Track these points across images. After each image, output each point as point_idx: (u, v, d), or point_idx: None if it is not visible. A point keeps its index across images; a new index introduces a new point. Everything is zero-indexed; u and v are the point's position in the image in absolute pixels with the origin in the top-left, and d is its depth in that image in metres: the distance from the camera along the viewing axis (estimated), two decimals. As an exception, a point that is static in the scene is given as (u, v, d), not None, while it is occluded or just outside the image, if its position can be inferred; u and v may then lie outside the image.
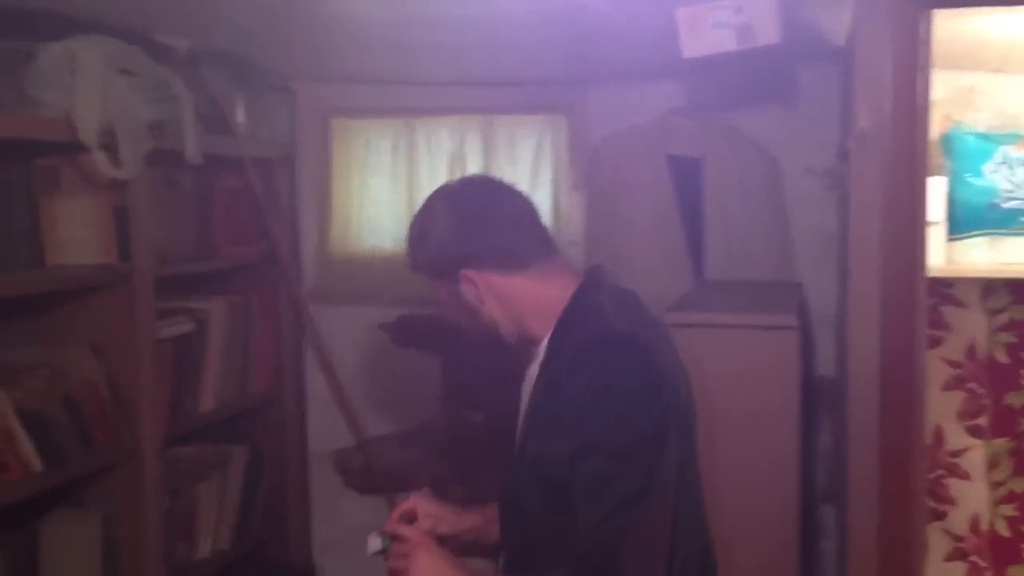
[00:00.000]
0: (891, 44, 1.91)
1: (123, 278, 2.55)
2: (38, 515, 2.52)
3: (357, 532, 3.25)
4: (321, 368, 3.43)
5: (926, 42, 1.95)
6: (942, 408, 2.65)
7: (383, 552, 1.81)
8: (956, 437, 2.67)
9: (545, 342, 1.77)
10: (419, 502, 1.92)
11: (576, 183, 3.33)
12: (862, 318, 2.00)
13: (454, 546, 1.88)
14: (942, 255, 2.38)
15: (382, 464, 3.21)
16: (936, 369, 2.66)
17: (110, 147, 2.40)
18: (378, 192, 3.47)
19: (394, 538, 1.81)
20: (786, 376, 2.16)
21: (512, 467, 1.81)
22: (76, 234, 2.49)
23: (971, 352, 2.64)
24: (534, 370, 1.79)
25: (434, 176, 3.36)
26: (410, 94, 3.41)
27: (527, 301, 1.79)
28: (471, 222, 1.78)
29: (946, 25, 2.08)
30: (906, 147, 1.94)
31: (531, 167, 3.38)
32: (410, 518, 1.89)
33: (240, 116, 3.29)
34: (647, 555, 1.63)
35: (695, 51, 1.94)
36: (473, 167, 3.38)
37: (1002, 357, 2.62)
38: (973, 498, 2.69)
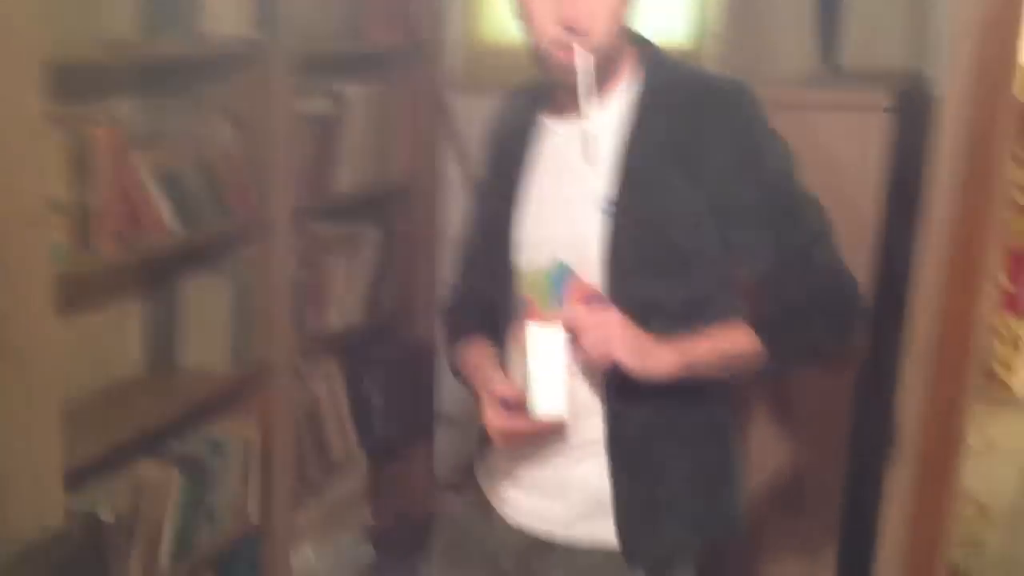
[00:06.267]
0: None
1: (264, 52, 2.60)
2: (178, 278, 2.70)
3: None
4: (457, 157, 3.48)
5: None
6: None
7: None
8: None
9: (619, 92, 1.69)
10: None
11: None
12: (952, 111, 1.93)
13: None
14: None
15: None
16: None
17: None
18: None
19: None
20: (869, 166, 2.01)
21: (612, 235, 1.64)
22: (223, 5, 2.53)
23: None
24: (567, 127, 1.70)
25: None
26: None
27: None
28: None
29: None
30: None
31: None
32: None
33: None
34: None
35: None
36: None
37: None
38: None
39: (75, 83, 2.35)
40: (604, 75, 1.65)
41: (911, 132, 2.23)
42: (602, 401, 1.67)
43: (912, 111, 2.28)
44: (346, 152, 3.06)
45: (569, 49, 1.59)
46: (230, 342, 2.68)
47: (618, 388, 1.64)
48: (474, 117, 3.42)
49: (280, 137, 2.67)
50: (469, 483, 1.89)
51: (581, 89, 1.61)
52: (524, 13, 1.63)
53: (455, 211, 3.54)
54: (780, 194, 1.65)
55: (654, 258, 1.65)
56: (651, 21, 3.17)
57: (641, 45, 1.73)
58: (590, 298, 1.67)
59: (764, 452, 2.46)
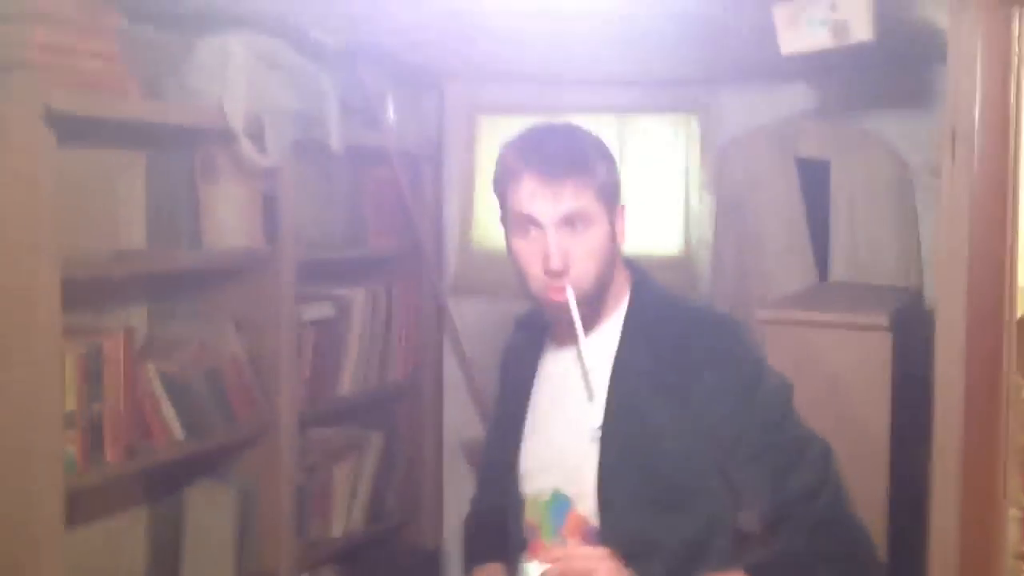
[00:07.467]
0: (981, 42, 1.84)
1: (268, 261, 2.68)
2: (182, 485, 2.69)
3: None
4: (457, 359, 3.53)
5: (1020, 39, 1.86)
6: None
7: None
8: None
9: (611, 322, 1.70)
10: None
11: (706, 184, 3.33)
12: (948, 335, 1.95)
13: None
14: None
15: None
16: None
17: (257, 136, 2.54)
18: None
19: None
20: (877, 378, 2.09)
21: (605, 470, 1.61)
22: (229, 218, 2.62)
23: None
24: (564, 356, 1.71)
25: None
26: (550, 92, 3.47)
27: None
28: None
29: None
30: (998, 150, 1.86)
31: (662, 167, 3.39)
32: None
33: (390, 111, 3.42)
34: None
35: (792, 47, 1.98)
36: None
37: None
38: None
39: (87, 294, 2.41)
40: (596, 306, 1.67)
41: (914, 349, 2.25)
42: None
43: (913, 327, 2.31)
44: (348, 355, 3.11)
45: (558, 289, 1.61)
46: (232, 549, 2.65)
47: None
48: (468, 319, 3.54)
49: (284, 342, 2.72)
50: None
51: (576, 323, 1.61)
52: (514, 259, 1.66)
53: (458, 412, 3.57)
54: (774, 431, 1.59)
55: (646, 492, 1.60)
56: (645, 232, 3.34)
57: (633, 269, 1.76)
58: (586, 535, 1.63)
59: None
